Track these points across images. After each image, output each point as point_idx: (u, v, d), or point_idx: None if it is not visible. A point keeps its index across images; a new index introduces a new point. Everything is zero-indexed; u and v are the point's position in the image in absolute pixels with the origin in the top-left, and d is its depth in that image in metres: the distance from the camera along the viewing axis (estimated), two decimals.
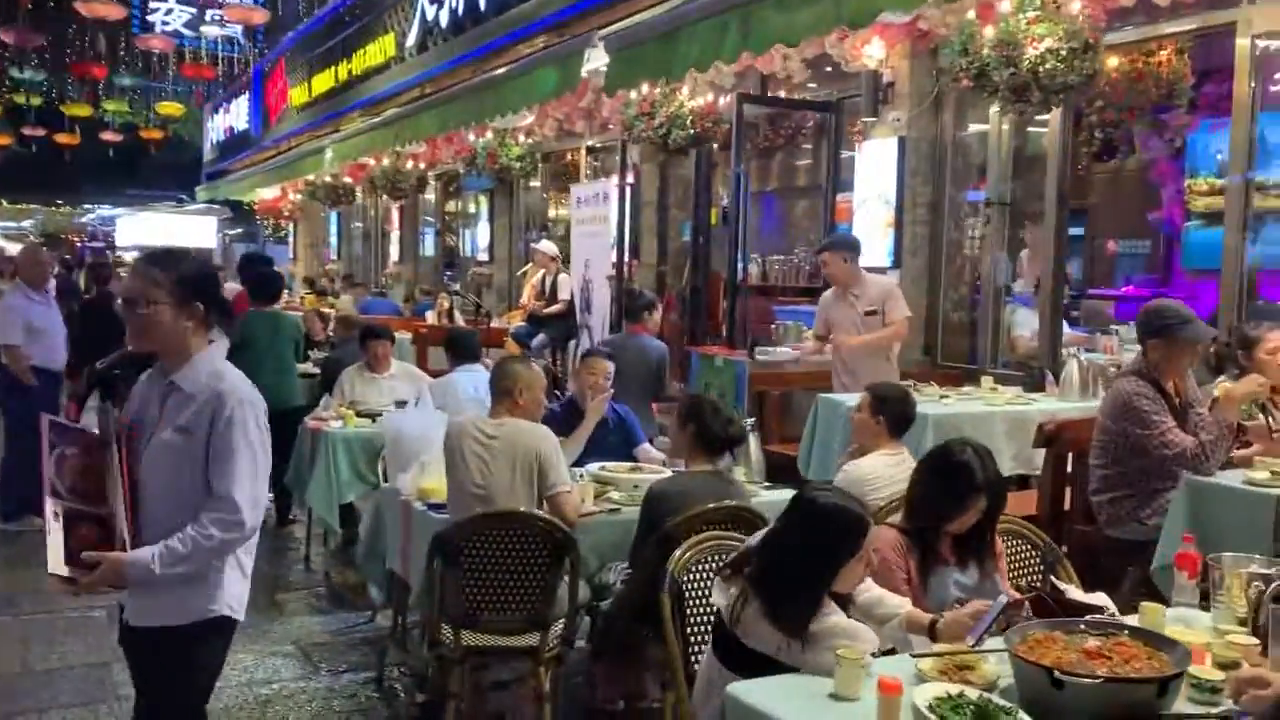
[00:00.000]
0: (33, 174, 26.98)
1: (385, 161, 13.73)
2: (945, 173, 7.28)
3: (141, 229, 19.41)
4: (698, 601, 3.02)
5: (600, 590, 3.88)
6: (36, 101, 17.13)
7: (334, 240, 19.89)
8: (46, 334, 6.59)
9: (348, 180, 16.64)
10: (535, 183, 13.18)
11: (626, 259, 10.16)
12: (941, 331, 7.32)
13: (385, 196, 16.28)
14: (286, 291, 17.60)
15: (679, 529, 3.54)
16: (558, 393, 7.42)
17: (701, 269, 9.88)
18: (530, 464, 3.74)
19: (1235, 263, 5.76)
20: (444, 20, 10.72)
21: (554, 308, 10.57)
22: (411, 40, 11.64)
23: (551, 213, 13.47)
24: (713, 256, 9.87)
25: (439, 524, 3.83)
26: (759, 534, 2.69)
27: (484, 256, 14.08)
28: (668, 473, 4.11)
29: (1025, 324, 7.08)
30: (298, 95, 16.19)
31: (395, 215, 16.90)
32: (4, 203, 29.51)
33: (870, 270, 7.47)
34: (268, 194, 20.17)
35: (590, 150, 11.73)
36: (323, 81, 14.98)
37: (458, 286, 13.09)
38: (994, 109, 6.69)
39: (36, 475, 6.35)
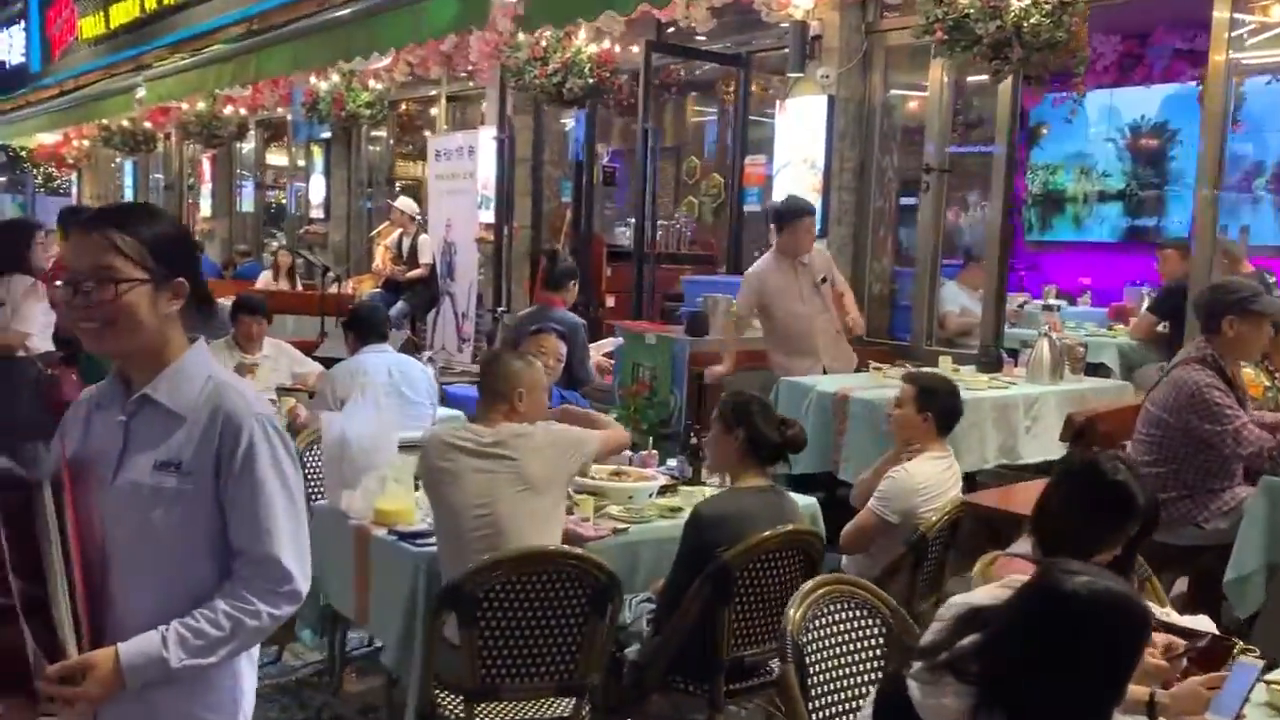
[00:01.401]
0: None
1: (201, 105, 12.19)
2: (874, 136, 6.83)
3: None
4: (823, 668, 2.38)
5: (614, 632, 3.15)
6: None
7: (129, 193, 17.79)
8: None
9: (148, 125, 14.84)
10: (379, 133, 12.01)
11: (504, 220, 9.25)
12: (868, 306, 6.90)
13: (197, 145, 14.66)
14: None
15: (737, 562, 2.89)
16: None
17: (584, 233, 9.13)
18: (564, 467, 3.00)
19: None
20: None
21: (415, 272, 9.57)
22: None
23: (405, 168, 12.32)
24: (592, 220, 9.16)
25: (420, 560, 3.01)
26: (954, 607, 1.98)
27: (318, 214, 12.77)
28: (712, 493, 3.39)
29: (952, 299, 6.77)
30: (90, 26, 14.21)
31: (207, 166, 15.19)
32: None
33: None
34: (47, 139, 17.82)
35: (451, 99, 10.69)
36: (124, 11, 13.15)
37: (303, 247, 11.77)
38: (937, 68, 6.28)
39: None
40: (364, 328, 4.91)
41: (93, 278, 1.65)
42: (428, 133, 11.19)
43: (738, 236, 7.78)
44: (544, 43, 7.43)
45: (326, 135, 12.25)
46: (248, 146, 14.50)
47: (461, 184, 9.95)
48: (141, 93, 10.71)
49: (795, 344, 5.42)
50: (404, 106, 11.98)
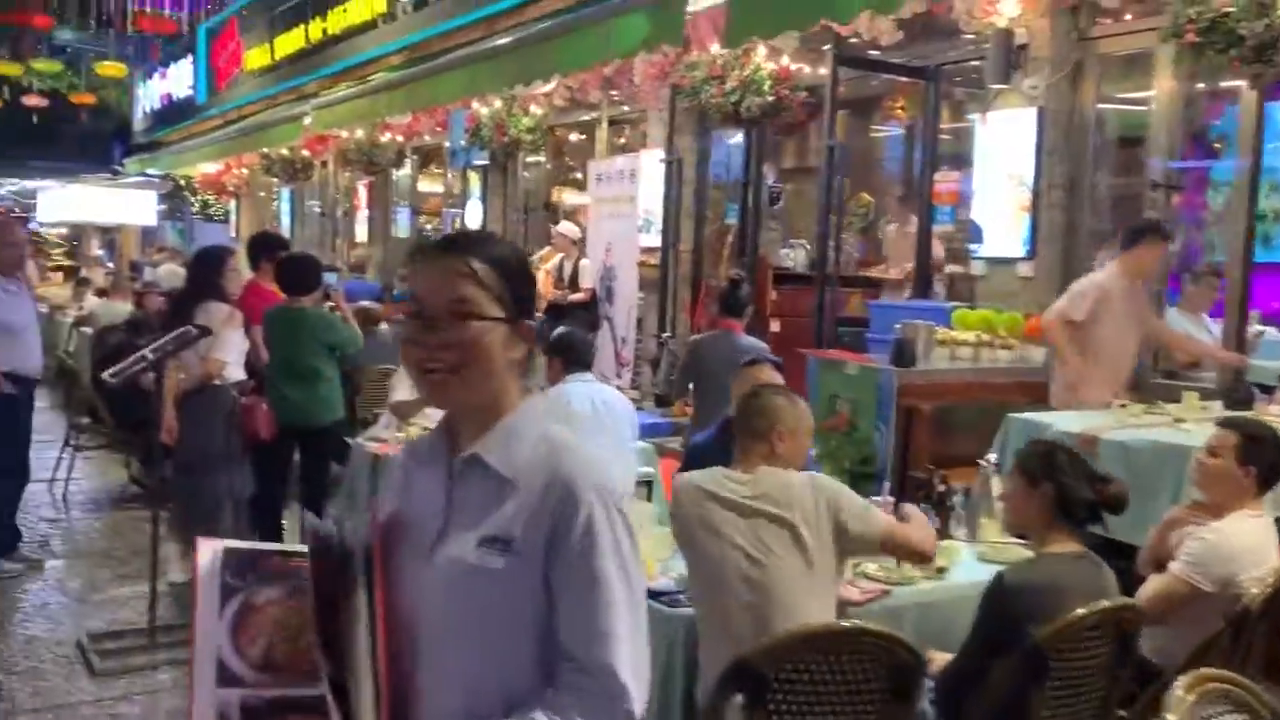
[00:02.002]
0: None
1: (359, 133, 12.36)
2: (1086, 151, 6.32)
3: (71, 204, 17.49)
4: None
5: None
6: None
7: (286, 220, 18.29)
8: (21, 332, 5.23)
9: (306, 154, 15.20)
10: (536, 158, 11.93)
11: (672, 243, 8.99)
12: None
13: (353, 173, 14.92)
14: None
15: (1051, 642, 2.49)
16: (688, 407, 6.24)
17: (750, 256, 8.80)
18: (830, 525, 2.64)
19: None
20: None
21: (577, 296, 9.40)
22: None
23: (564, 196, 12.21)
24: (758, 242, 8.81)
25: (676, 625, 2.71)
26: None
27: None
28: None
29: (1176, 324, 6.18)
30: (255, 58, 14.65)
31: (363, 193, 15.43)
32: None
33: (999, 261, 6.56)
34: (209, 169, 18.47)
35: (613, 122, 10.53)
36: (288, 42, 13.49)
37: None
38: (1165, 76, 5.75)
39: (5, 510, 4.99)
40: (572, 355, 4.68)
41: (447, 313, 1.39)
42: (590, 160, 11.06)
43: (926, 258, 7.33)
44: (721, 60, 7.18)
45: (484, 161, 12.26)
46: (403, 173, 14.70)
47: (622, 208, 9.75)
48: (309, 120, 10.86)
49: (1105, 371, 5.05)
50: (558, 132, 11.91)
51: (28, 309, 5.36)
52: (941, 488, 3.59)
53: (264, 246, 6.13)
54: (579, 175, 12.82)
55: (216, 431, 5.17)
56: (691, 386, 6.13)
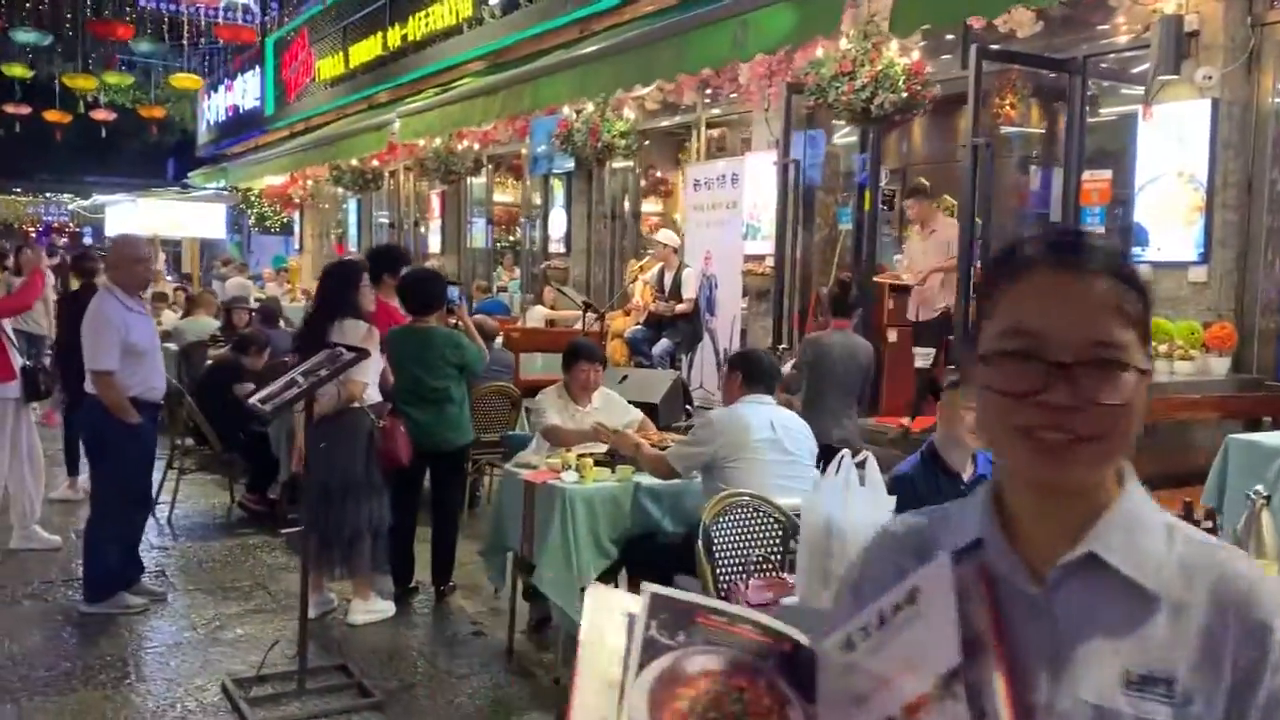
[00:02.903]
0: None
1: (437, 141, 12.09)
2: (1265, 146, 5.86)
3: (141, 218, 17.45)
4: None
5: None
6: (21, 71, 14.89)
7: (353, 231, 18.13)
8: (147, 354, 4.95)
9: (375, 164, 14.99)
10: (622, 164, 11.58)
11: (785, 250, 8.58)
12: (1256, 342, 5.91)
13: (425, 183, 14.71)
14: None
15: None
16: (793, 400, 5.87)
17: (865, 264, 8.39)
18: None
19: None
20: None
21: (681, 306, 9.02)
22: None
23: (652, 205, 11.88)
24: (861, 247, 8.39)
25: None
26: None
27: (558, 248, 12.47)
28: None
29: None
30: (328, 67, 14.47)
31: (436, 202, 15.21)
32: None
33: (1167, 266, 6.10)
34: (275, 180, 18.34)
35: (710, 125, 10.17)
36: (364, 50, 13.27)
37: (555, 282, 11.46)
38: None
39: (130, 542, 4.69)
40: (752, 373, 4.29)
41: (1091, 359, 0.97)
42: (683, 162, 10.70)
43: None
44: (852, 55, 6.79)
45: (568, 168, 11.95)
46: (478, 182, 14.44)
47: (723, 214, 9.39)
48: (396, 127, 10.60)
49: None
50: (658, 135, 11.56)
51: (152, 330, 5.07)
52: (1208, 523, 3.17)
53: (387, 261, 5.81)
54: (663, 178, 12.50)
55: (357, 457, 4.85)
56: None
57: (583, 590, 4.27)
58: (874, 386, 6.66)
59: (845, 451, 2.90)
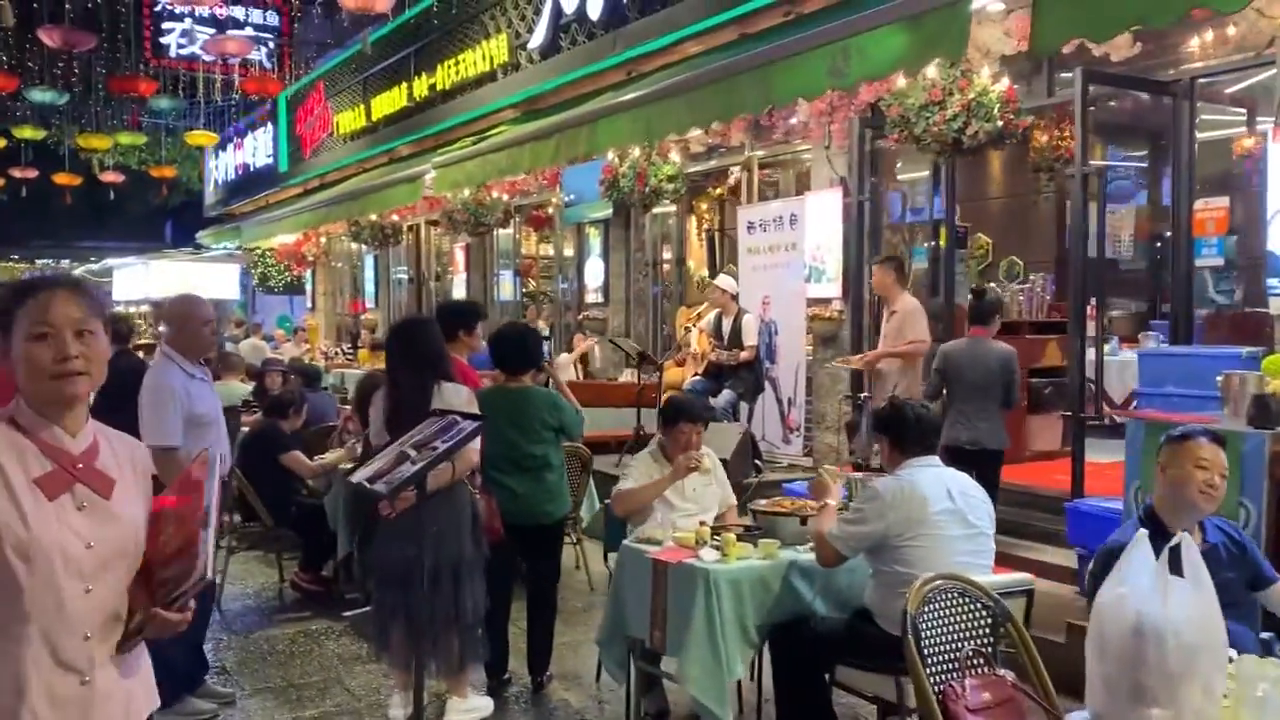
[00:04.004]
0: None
1: (465, 192, 11.64)
2: None
3: (153, 280, 16.94)
4: None
5: None
6: (30, 133, 14.43)
7: (370, 287, 17.66)
8: (210, 425, 4.41)
9: (395, 219, 14.56)
10: (662, 209, 11.14)
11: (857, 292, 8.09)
12: None
13: (452, 234, 14.26)
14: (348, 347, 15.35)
15: None
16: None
17: (947, 303, 7.90)
18: None
19: None
20: (596, 9, 8.76)
21: (745, 355, 8.52)
22: (538, 39, 9.64)
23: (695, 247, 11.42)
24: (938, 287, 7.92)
25: None
26: None
27: (595, 298, 11.99)
28: None
29: None
30: (348, 121, 14.07)
31: (460, 256, 14.76)
32: None
33: None
34: (288, 238, 17.88)
35: (764, 165, 9.75)
36: (387, 102, 12.88)
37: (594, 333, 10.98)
38: None
39: (194, 640, 4.12)
40: (908, 436, 3.76)
41: None
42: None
43: (1188, 295, 6.41)
44: (942, 84, 6.37)
45: (602, 216, 11.52)
46: (505, 233, 14.00)
47: (781, 256, 8.93)
48: (431, 177, 10.15)
49: None
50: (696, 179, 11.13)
51: (214, 399, 4.54)
52: None
53: (464, 317, 5.28)
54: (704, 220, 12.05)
55: (464, 534, 4.30)
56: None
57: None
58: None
59: (1182, 535, 2.37)
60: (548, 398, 4.88)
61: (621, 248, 11.51)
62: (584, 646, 5.32)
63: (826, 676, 3.84)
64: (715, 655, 3.70)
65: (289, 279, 21.27)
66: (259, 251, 20.08)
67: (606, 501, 5.25)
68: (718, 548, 3.89)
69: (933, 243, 8.01)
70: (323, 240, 17.96)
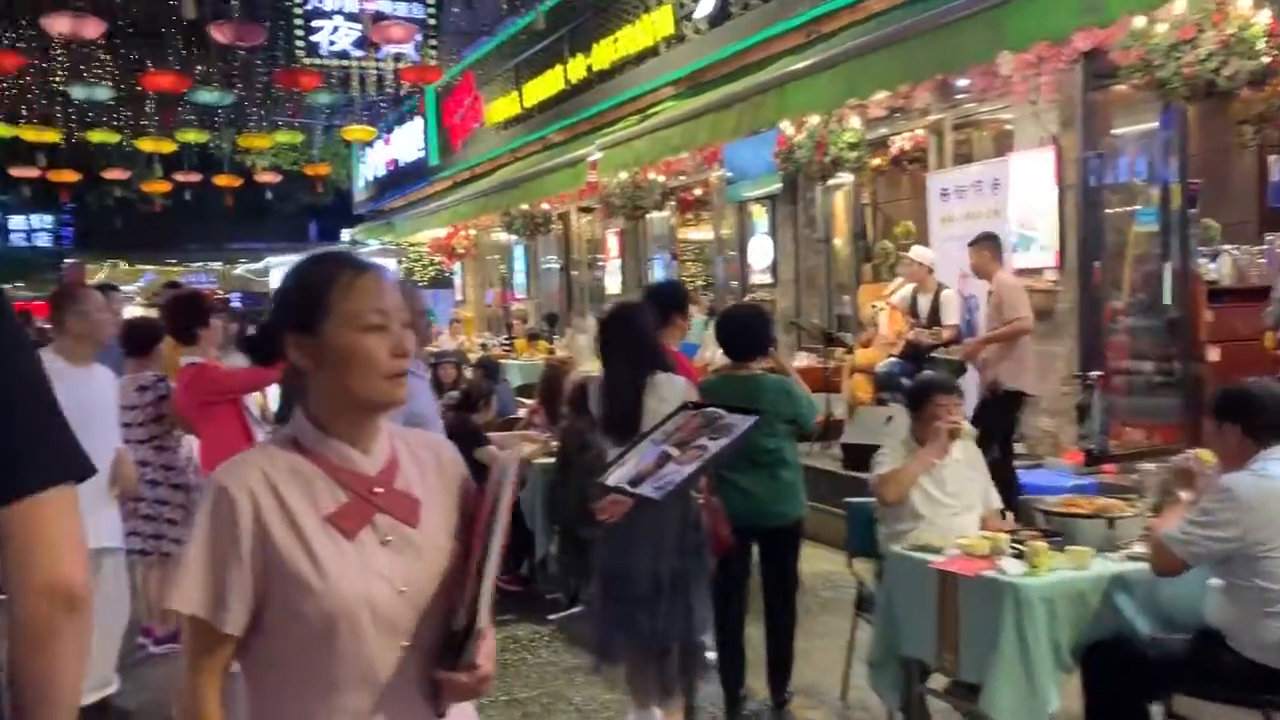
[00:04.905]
0: (138, 229, 24.73)
1: (622, 175, 11.22)
2: None
3: None
4: None
5: None
6: (194, 136, 14.65)
7: (521, 278, 17.51)
8: (426, 425, 4.05)
9: (545, 207, 14.29)
10: (836, 181, 10.49)
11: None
12: None
13: (604, 221, 13.93)
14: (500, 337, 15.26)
15: None
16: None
17: (1180, 269, 7.08)
18: None
19: None
20: None
21: (947, 334, 7.87)
22: (705, 8, 9.14)
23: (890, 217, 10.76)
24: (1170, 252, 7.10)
25: None
26: None
27: (763, 279, 11.43)
28: None
29: None
30: (501, 109, 13.86)
31: (613, 242, 14.40)
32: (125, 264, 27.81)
33: None
34: (439, 231, 17.87)
35: (957, 127, 9.04)
36: (542, 87, 12.59)
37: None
38: None
39: None
40: (1263, 418, 3.13)
41: None
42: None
43: None
44: (1194, 20, 5.61)
45: (767, 192, 10.94)
46: (659, 217, 13.57)
47: (981, 224, 8.20)
48: (597, 157, 9.77)
49: None
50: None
51: (431, 396, 4.21)
52: None
53: (676, 299, 4.82)
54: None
55: (689, 539, 3.86)
56: None
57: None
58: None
59: None
60: (781, 386, 4.39)
61: (789, 224, 10.93)
62: (815, 655, 4.84)
63: (1161, 707, 3.25)
64: (1030, 683, 3.16)
65: (435, 273, 21.35)
66: (409, 245, 20.20)
67: (848, 499, 4.73)
68: (1021, 555, 3.34)
69: (1160, 206, 7.19)
70: (473, 233, 17.91)
